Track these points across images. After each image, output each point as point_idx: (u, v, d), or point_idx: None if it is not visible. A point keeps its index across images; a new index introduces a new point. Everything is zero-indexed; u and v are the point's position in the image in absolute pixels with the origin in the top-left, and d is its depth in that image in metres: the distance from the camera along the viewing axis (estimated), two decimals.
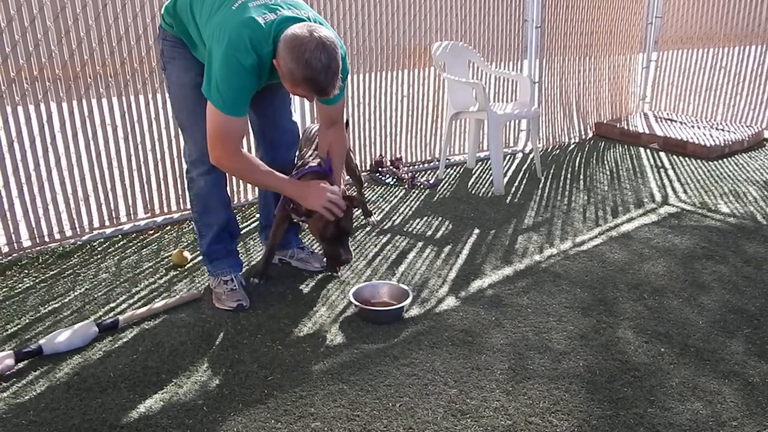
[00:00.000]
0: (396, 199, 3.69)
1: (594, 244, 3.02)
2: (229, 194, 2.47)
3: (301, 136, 2.69)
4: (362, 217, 3.30)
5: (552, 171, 4.23)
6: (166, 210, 3.32)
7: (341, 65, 1.96)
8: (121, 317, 2.27)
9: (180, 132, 2.37)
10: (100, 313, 2.38)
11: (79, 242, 3.02)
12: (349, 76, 3.78)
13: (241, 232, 3.15)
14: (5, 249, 2.86)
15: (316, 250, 2.80)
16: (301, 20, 1.98)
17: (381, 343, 2.18)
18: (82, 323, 2.20)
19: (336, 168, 2.43)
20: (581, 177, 4.10)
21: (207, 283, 2.58)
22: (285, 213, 2.49)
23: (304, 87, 1.95)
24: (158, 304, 2.40)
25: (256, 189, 3.59)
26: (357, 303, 2.36)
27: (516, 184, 3.98)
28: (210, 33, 2.00)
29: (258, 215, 3.38)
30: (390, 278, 2.66)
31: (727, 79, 5.15)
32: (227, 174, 2.42)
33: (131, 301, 2.47)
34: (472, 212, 3.46)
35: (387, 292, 2.47)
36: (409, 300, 2.36)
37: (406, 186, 3.91)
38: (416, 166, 4.29)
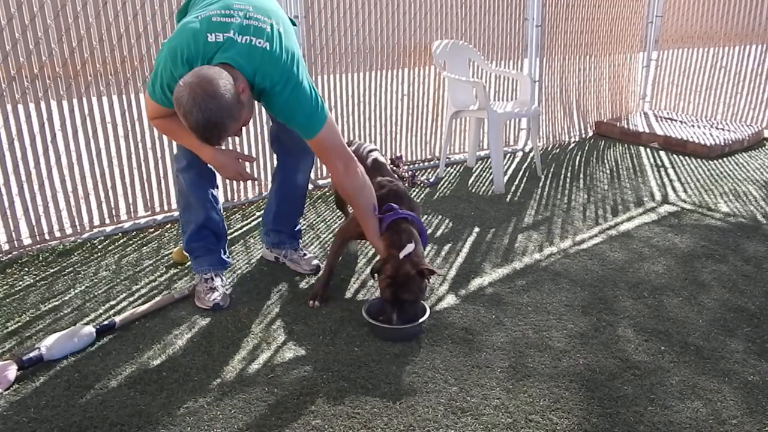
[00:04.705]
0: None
1: (594, 242, 3.02)
2: (214, 196, 2.44)
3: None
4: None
5: (552, 170, 4.24)
6: (166, 208, 3.32)
7: (231, 111, 1.89)
8: (117, 318, 2.27)
9: None
10: (101, 311, 2.38)
11: (79, 240, 3.02)
12: (351, 75, 3.78)
13: (241, 231, 3.16)
14: (5, 247, 2.86)
15: (309, 254, 2.77)
16: (240, 46, 1.96)
17: (381, 341, 2.19)
18: (80, 327, 2.17)
19: (372, 231, 2.28)
20: (581, 176, 4.10)
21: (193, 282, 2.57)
22: (346, 236, 2.45)
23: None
24: (152, 302, 2.40)
25: (257, 188, 3.60)
26: (371, 321, 2.23)
27: (516, 182, 3.98)
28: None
29: (258, 213, 3.39)
30: None
31: (727, 79, 5.15)
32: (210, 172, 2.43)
33: (131, 299, 2.47)
34: (473, 211, 3.47)
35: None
36: (427, 315, 2.25)
37: (406, 184, 3.91)
38: (416, 165, 4.29)
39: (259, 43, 1.98)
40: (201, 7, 2.07)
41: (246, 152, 3.43)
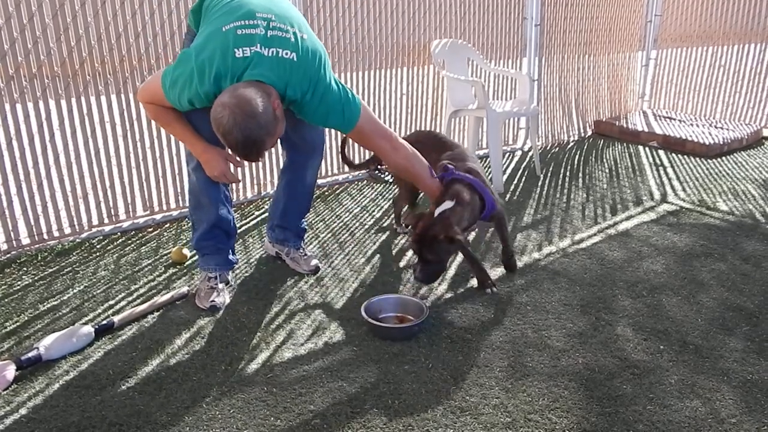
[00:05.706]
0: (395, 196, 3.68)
1: (593, 242, 3.02)
2: (226, 194, 2.43)
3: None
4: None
5: (551, 169, 4.23)
6: (164, 207, 3.32)
7: (270, 127, 1.92)
8: (116, 318, 2.26)
9: None
10: (99, 311, 2.38)
11: (78, 240, 3.02)
12: (349, 74, 3.77)
13: (240, 230, 3.15)
14: (4, 247, 2.86)
15: (309, 253, 2.77)
16: (269, 60, 1.97)
17: (380, 340, 2.18)
18: (79, 327, 2.17)
19: (437, 193, 2.34)
20: (580, 175, 4.10)
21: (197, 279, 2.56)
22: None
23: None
24: (150, 302, 2.39)
25: (256, 188, 3.59)
26: (370, 320, 2.24)
27: (515, 181, 3.98)
28: (199, 37, 2.04)
29: (257, 213, 3.39)
30: (390, 278, 2.66)
31: (726, 77, 5.15)
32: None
33: (130, 299, 2.47)
34: None
35: (400, 307, 2.35)
36: (426, 315, 2.25)
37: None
38: None
39: (286, 54, 1.99)
40: (222, 14, 2.04)
41: None
